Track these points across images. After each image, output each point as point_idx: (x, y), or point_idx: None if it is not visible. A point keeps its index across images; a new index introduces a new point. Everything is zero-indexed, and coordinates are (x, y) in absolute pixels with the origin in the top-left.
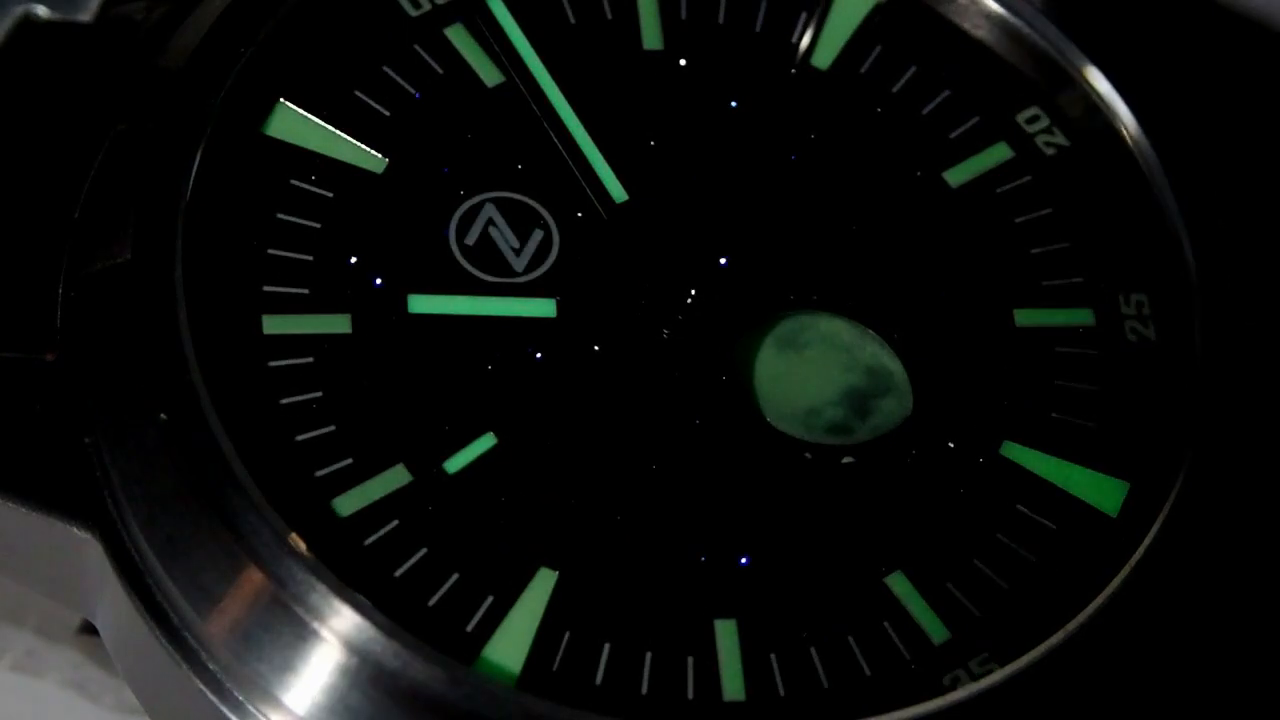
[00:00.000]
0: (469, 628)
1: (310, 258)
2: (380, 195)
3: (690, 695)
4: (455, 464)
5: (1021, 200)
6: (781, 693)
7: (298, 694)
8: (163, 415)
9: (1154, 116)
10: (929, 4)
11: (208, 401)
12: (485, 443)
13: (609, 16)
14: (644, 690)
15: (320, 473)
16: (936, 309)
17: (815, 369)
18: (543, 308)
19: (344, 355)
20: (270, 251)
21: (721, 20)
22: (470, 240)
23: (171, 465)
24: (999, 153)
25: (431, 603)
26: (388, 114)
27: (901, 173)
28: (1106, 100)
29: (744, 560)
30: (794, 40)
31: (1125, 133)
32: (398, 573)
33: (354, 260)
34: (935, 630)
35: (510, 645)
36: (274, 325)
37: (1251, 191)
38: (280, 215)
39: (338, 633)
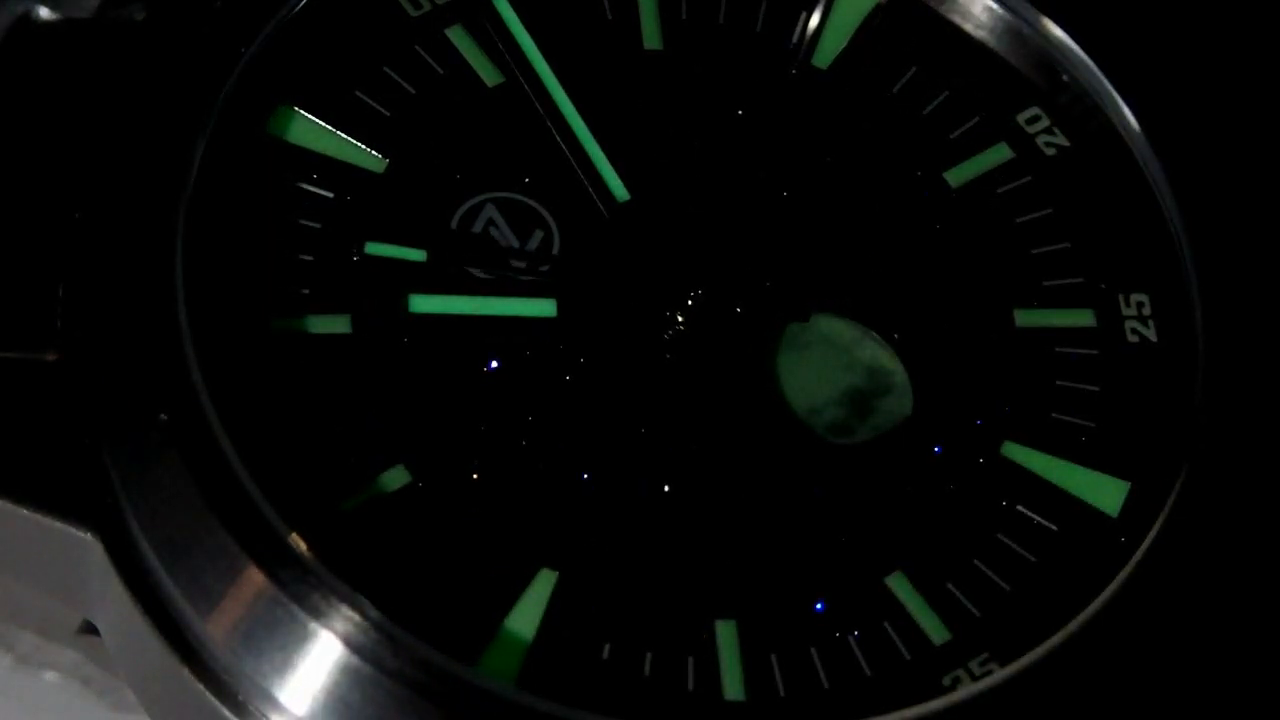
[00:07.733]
0: (470, 628)
1: (311, 258)
2: (381, 195)
3: (690, 696)
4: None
5: (1021, 200)
6: (782, 693)
7: (298, 694)
8: (163, 415)
9: (1154, 116)
10: (929, 4)
11: (208, 402)
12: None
13: (609, 16)
14: (644, 690)
15: (320, 473)
16: (937, 309)
17: (815, 369)
18: (543, 308)
19: (344, 355)
20: (271, 251)
21: (721, 20)
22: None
23: (172, 466)
24: (999, 153)
25: (432, 603)
26: (388, 114)
27: (902, 173)
28: (1106, 100)
29: (744, 560)
30: (794, 40)
31: (1125, 133)
32: (398, 573)
33: (354, 260)
34: (935, 630)
35: (511, 645)
36: (274, 325)
37: (1251, 191)
38: (281, 215)
39: (338, 633)
